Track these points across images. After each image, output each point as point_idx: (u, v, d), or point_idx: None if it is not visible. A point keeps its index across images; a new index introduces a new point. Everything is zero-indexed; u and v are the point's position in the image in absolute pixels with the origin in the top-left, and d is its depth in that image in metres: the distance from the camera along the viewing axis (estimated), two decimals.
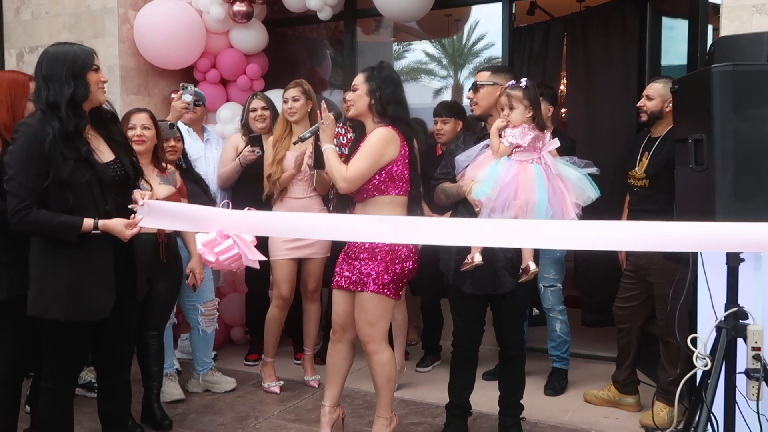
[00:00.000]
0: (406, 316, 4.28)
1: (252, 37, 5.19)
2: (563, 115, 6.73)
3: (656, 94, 3.47)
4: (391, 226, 2.47)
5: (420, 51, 14.18)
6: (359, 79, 3.12)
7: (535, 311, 4.50)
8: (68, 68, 2.45)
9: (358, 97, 3.08)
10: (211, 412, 3.79)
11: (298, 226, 2.63)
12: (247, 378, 4.31)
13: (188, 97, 4.10)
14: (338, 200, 3.33)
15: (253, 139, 4.21)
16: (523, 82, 2.99)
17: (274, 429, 3.58)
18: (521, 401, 3.29)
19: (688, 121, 2.52)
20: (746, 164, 2.31)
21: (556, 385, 4.07)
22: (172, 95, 4.32)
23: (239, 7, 4.93)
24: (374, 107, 3.05)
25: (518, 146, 2.90)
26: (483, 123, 3.20)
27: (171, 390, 3.87)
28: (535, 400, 3.81)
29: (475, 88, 3.13)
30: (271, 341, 4.11)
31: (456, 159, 3.05)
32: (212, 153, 4.49)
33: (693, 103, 2.49)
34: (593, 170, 3.00)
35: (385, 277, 2.98)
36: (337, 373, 3.19)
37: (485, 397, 3.61)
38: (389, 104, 3.03)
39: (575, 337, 4.31)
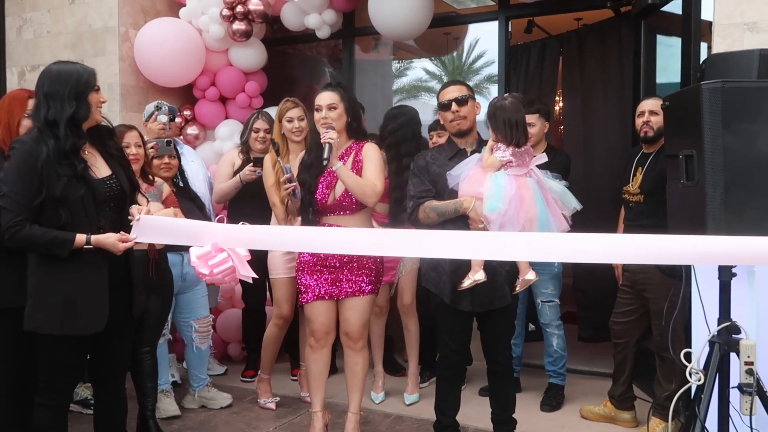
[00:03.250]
0: (418, 326, 4.28)
1: (251, 55, 5.24)
2: (561, 131, 6.77)
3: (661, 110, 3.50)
4: (389, 240, 2.49)
5: (419, 69, 14.34)
6: (336, 98, 3.23)
7: (531, 327, 4.50)
8: (71, 88, 2.48)
9: (339, 116, 3.23)
10: (207, 429, 3.79)
11: (293, 240, 2.64)
12: (244, 394, 4.30)
13: (164, 118, 4.11)
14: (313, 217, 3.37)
15: (257, 161, 4.23)
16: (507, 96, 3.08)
17: None
18: (514, 416, 3.28)
19: (679, 137, 2.54)
20: (737, 179, 2.33)
21: (553, 401, 4.06)
22: (144, 114, 4.32)
23: (239, 25, 4.98)
24: (350, 125, 3.29)
25: (510, 162, 2.94)
26: (449, 139, 3.20)
27: (166, 406, 3.87)
28: (531, 417, 3.81)
29: (460, 101, 3.08)
30: (269, 359, 4.11)
31: (448, 174, 3.04)
32: (188, 165, 4.40)
33: (684, 119, 2.51)
34: (565, 183, 3.10)
35: (376, 277, 3.33)
36: (323, 377, 3.42)
37: (481, 413, 3.61)
38: (358, 122, 3.35)
39: (572, 353, 4.31)
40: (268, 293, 4.53)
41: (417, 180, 3.14)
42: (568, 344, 4.18)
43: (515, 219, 2.85)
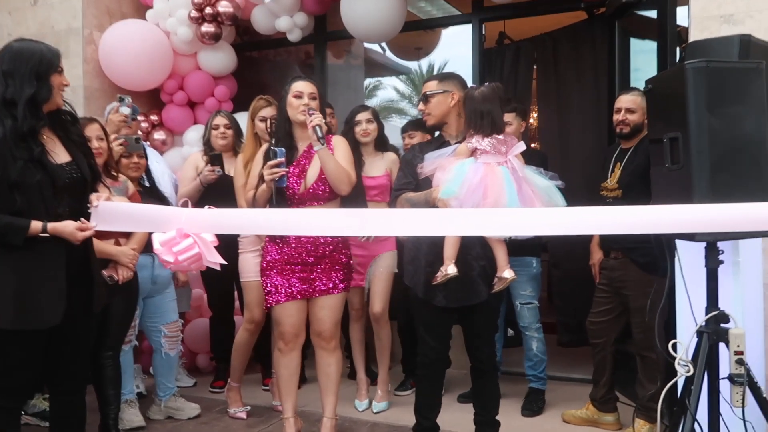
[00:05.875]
0: (389, 335, 4.16)
1: (220, 59, 5.12)
2: (533, 131, 6.76)
3: (637, 106, 3.47)
4: (359, 220, 2.39)
5: (390, 87, 14.37)
6: (315, 89, 3.20)
7: (510, 332, 4.40)
8: (33, 67, 2.36)
9: (317, 107, 3.16)
10: None
11: (261, 222, 2.52)
12: (213, 404, 4.12)
13: (126, 110, 3.92)
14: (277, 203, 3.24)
15: (214, 158, 4.06)
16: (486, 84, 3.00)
17: None
18: (497, 417, 3.17)
19: (662, 120, 2.49)
20: (723, 162, 2.28)
21: (534, 405, 3.96)
22: (107, 108, 4.16)
23: (207, 28, 4.86)
24: None
25: (482, 150, 2.86)
26: (439, 132, 3.18)
27: (131, 417, 3.67)
28: (512, 422, 3.70)
29: (425, 98, 3.11)
30: (238, 366, 3.95)
31: (426, 156, 2.97)
32: (153, 166, 4.23)
33: (667, 101, 2.46)
34: (559, 183, 2.98)
35: (348, 275, 3.27)
36: (293, 381, 3.31)
37: (462, 419, 3.50)
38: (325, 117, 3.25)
39: (552, 360, 4.22)
40: (236, 301, 4.37)
41: (401, 173, 3.17)
42: (548, 351, 4.09)
43: (479, 206, 2.74)
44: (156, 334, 3.81)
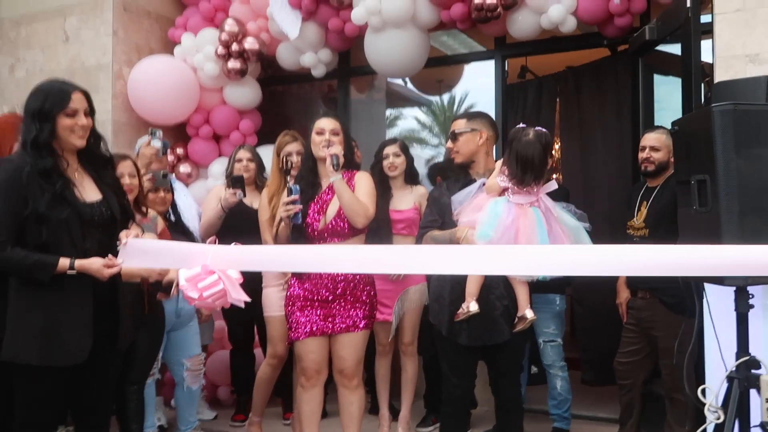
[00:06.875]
0: (416, 367, 4.14)
1: (245, 93, 5.20)
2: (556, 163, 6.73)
3: (662, 144, 3.46)
4: (390, 256, 2.38)
5: (411, 118, 14.45)
6: (338, 126, 3.24)
7: (534, 369, 4.35)
8: (38, 108, 2.38)
9: (340, 143, 3.20)
10: None
11: (288, 259, 2.51)
12: None
13: (157, 143, 3.98)
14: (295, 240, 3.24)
15: (235, 180, 4.05)
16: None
17: None
18: None
19: (689, 162, 2.47)
20: (751, 204, 2.26)
21: None
22: (138, 142, 4.21)
23: (233, 64, 4.95)
24: (345, 156, 3.22)
25: (513, 189, 2.83)
26: (467, 170, 3.17)
27: None
28: None
29: (454, 137, 3.13)
30: (260, 400, 3.94)
31: (453, 198, 2.97)
32: (180, 200, 4.25)
33: (694, 143, 2.44)
34: (586, 225, 2.90)
35: (370, 312, 3.25)
36: (315, 417, 3.29)
37: None
38: (351, 153, 3.32)
39: (576, 398, 4.15)
40: (256, 335, 4.37)
41: (428, 210, 3.20)
42: (572, 389, 4.03)
43: None
44: (179, 367, 3.83)
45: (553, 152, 6.40)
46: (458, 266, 2.33)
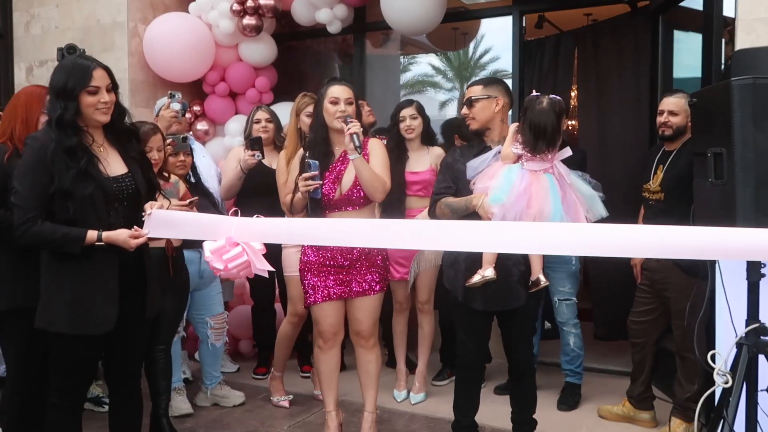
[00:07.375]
0: (432, 325, 4.25)
1: (261, 50, 5.19)
2: (570, 128, 6.70)
3: (681, 109, 3.43)
4: (409, 231, 2.43)
5: (425, 63, 14.27)
6: (351, 94, 3.21)
7: (548, 325, 4.44)
8: (61, 87, 2.42)
9: (353, 112, 3.19)
10: (220, 427, 3.76)
11: (311, 232, 2.56)
12: (256, 392, 4.26)
13: (177, 106, 3.98)
14: (312, 210, 3.30)
15: (253, 142, 4.08)
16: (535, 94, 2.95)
17: None
18: (534, 416, 3.24)
19: (707, 135, 2.49)
20: (767, 178, 2.28)
21: (570, 400, 4.02)
22: (157, 103, 4.22)
23: (249, 20, 4.92)
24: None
25: (527, 156, 2.84)
26: (481, 137, 3.13)
27: (179, 404, 3.84)
28: (548, 416, 3.76)
29: (470, 103, 3.08)
30: (282, 357, 4.08)
31: (468, 164, 2.97)
32: (199, 161, 4.28)
33: (712, 116, 2.46)
34: (601, 195, 2.91)
35: (384, 274, 3.33)
36: (334, 377, 3.40)
37: (498, 412, 3.57)
38: (360, 119, 3.25)
39: (588, 351, 4.24)
40: (276, 290, 4.48)
41: (441, 176, 3.17)
42: (584, 342, 4.12)
43: (521, 215, 2.74)
44: (203, 325, 3.95)
45: (570, 109, 6.39)
46: (472, 243, 2.34)
